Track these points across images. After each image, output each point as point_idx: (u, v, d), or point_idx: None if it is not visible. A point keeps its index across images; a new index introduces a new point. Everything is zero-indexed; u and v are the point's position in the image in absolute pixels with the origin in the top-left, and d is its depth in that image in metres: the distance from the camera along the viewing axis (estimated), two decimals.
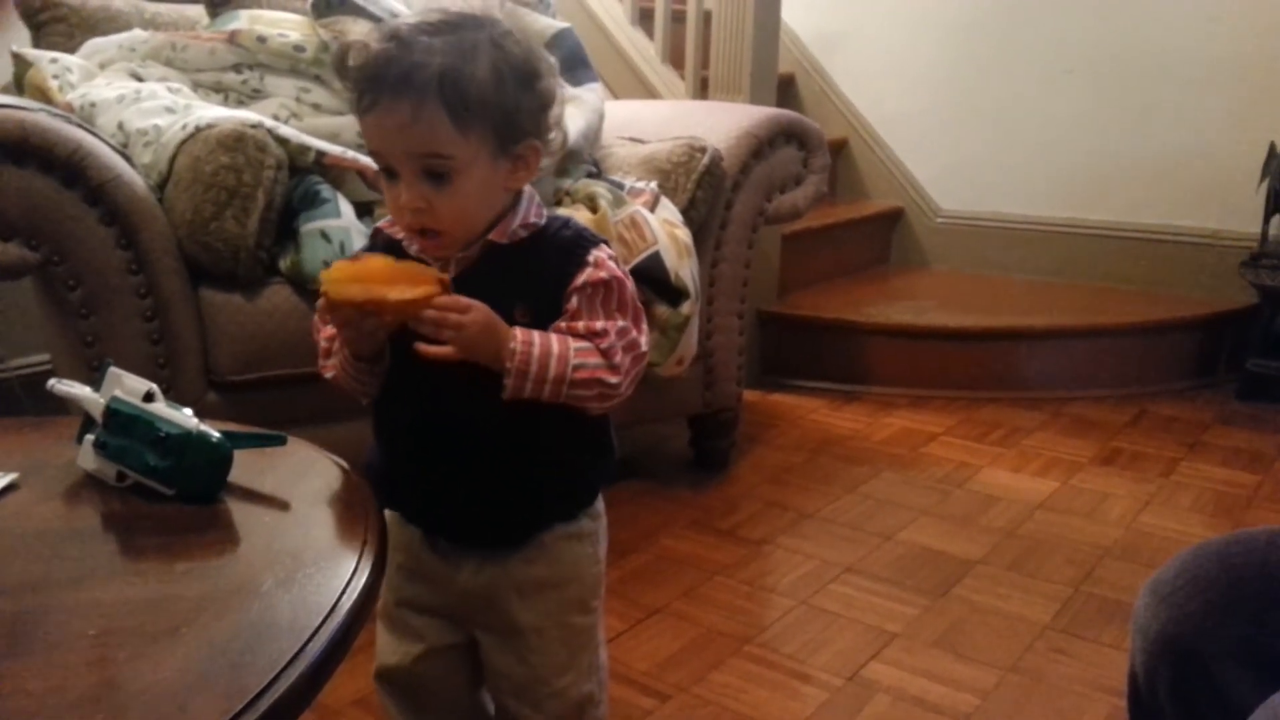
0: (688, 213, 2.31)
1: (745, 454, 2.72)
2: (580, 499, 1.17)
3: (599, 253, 1.08)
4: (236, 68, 2.16)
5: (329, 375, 1.13)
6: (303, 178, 1.90)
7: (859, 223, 4.00)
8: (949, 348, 3.25)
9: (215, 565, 0.86)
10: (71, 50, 2.10)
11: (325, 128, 2.06)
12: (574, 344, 1.04)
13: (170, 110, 1.90)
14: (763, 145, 2.44)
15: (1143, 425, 2.98)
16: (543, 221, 1.10)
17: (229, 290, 1.80)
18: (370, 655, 1.21)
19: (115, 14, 2.23)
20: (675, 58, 3.38)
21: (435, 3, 1.04)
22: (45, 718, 0.64)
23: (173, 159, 1.78)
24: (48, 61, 2.02)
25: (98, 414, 0.98)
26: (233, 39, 2.16)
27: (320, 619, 0.74)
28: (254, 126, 1.79)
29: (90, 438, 0.98)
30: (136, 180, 1.73)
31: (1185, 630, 0.91)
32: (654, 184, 2.32)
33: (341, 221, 1.84)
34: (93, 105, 1.93)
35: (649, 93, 3.41)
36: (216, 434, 0.97)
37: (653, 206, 2.24)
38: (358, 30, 2.10)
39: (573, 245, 1.09)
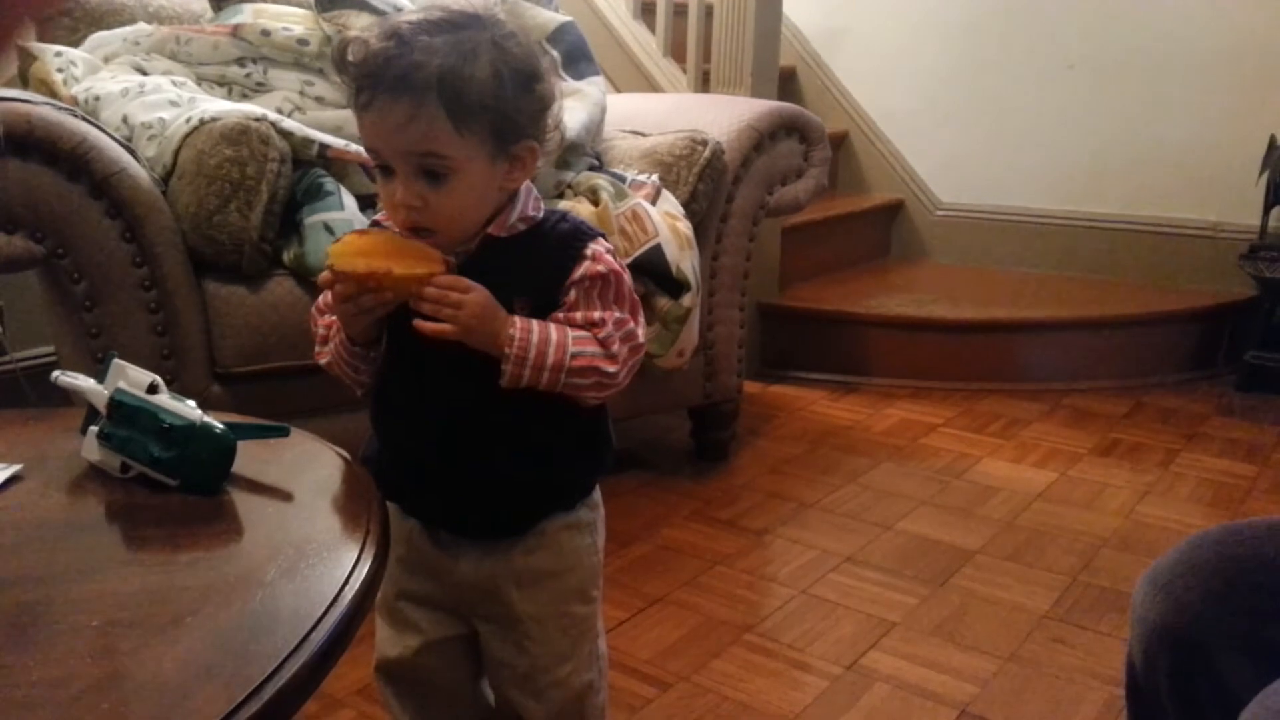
0: (689, 205, 2.31)
1: (746, 445, 2.73)
2: (579, 489, 1.18)
3: (596, 246, 1.08)
4: (240, 61, 2.17)
5: (324, 362, 1.14)
6: (306, 171, 1.91)
7: (859, 215, 4.00)
8: (949, 339, 3.25)
9: (219, 556, 0.87)
10: (76, 44, 2.11)
11: (329, 121, 2.06)
12: (572, 333, 1.05)
13: (174, 103, 1.91)
14: (764, 138, 2.44)
15: (1141, 416, 2.99)
16: (540, 215, 1.10)
17: (233, 282, 1.80)
18: (373, 645, 1.22)
19: (119, 8, 2.24)
20: (677, 51, 3.37)
21: None
22: (49, 709, 0.64)
23: (177, 152, 1.79)
24: (52, 55, 2.02)
25: (102, 406, 0.99)
26: (236, 32, 2.16)
27: (323, 609, 0.75)
28: (258, 120, 1.80)
29: (94, 429, 0.99)
30: (141, 173, 1.74)
31: (1183, 620, 0.92)
32: (655, 177, 2.32)
33: (345, 214, 1.85)
34: (97, 99, 1.93)
35: (651, 86, 3.41)
36: (220, 425, 0.97)
37: (654, 199, 2.24)
38: (361, 24, 2.10)
39: (570, 238, 1.09)
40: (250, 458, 1.00)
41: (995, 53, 3.88)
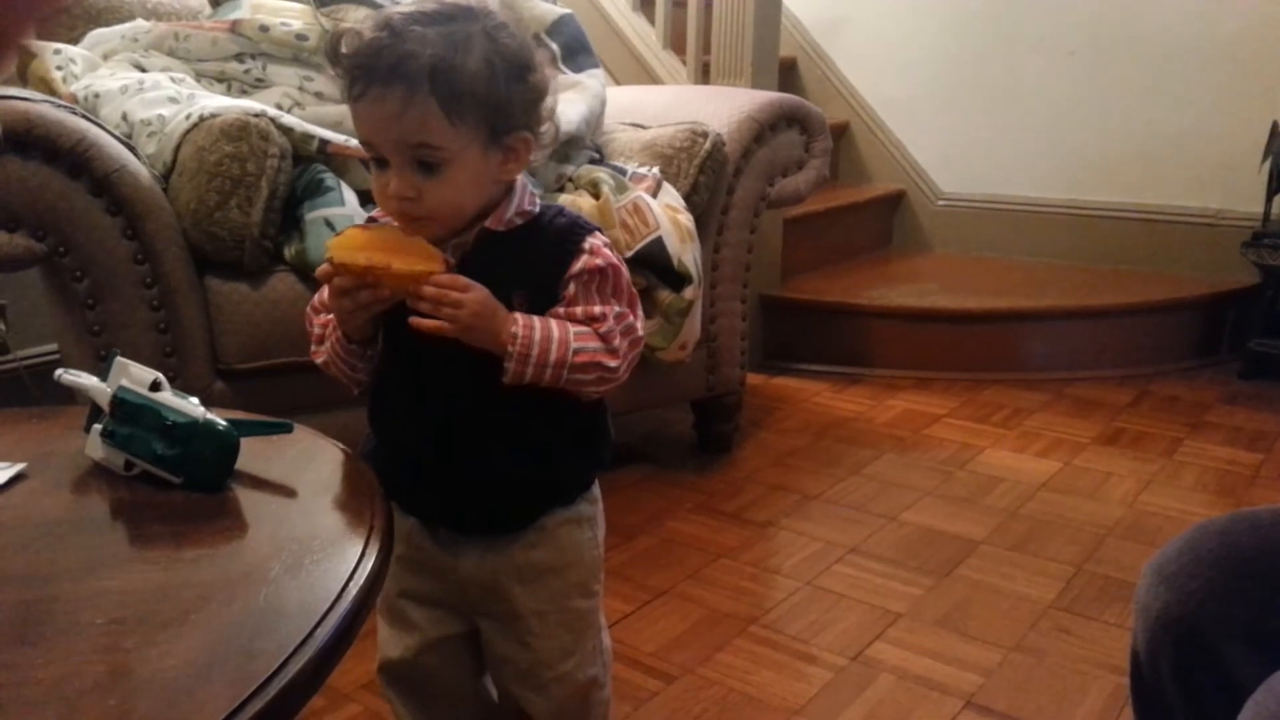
0: (690, 198, 2.31)
1: (749, 437, 2.73)
2: (578, 484, 1.18)
3: (594, 240, 1.09)
4: (239, 57, 2.16)
5: (320, 361, 1.14)
6: (306, 166, 1.91)
7: (861, 206, 4.00)
8: (951, 330, 3.25)
9: (223, 552, 0.87)
10: (74, 41, 2.11)
11: (328, 116, 2.06)
12: (573, 328, 1.05)
13: (174, 100, 1.91)
14: (764, 129, 2.44)
15: (1145, 405, 2.98)
16: (537, 209, 1.10)
17: (234, 279, 1.80)
18: (377, 640, 1.22)
19: (118, 4, 2.24)
20: (677, 43, 3.37)
21: None
22: (55, 706, 0.64)
23: (177, 149, 1.79)
24: (51, 53, 2.02)
25: (105, 403, 0.99)
26: (235, 28, 2.16)
27: (328, 604, 0.75)
28: (257, 116, 1.80)
29: (98, 427, 0.99)
30: (141, 170, 1.74)
31: (1187, 609, 0.92)
32: (656, 169, 2.32)
33: (345, 209, 1.85)
34: (96, 96, 1.93)
35: (650, 78, 3.40)
36: (223, 422, 0.97)
37: (655, 192, 2.24)
38: (359, 18, 2.10)
39: (568, 233, 1.09)
40: (253, 454, 1.00)
41: (996, 41, 3.87)
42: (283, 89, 2.14)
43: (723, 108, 2.48)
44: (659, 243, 2.13)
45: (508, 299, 1.03)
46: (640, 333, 1.11)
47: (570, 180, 2.28)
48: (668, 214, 2.18)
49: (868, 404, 3.00)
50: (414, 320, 1.00)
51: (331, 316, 1.11)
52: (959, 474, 2.50)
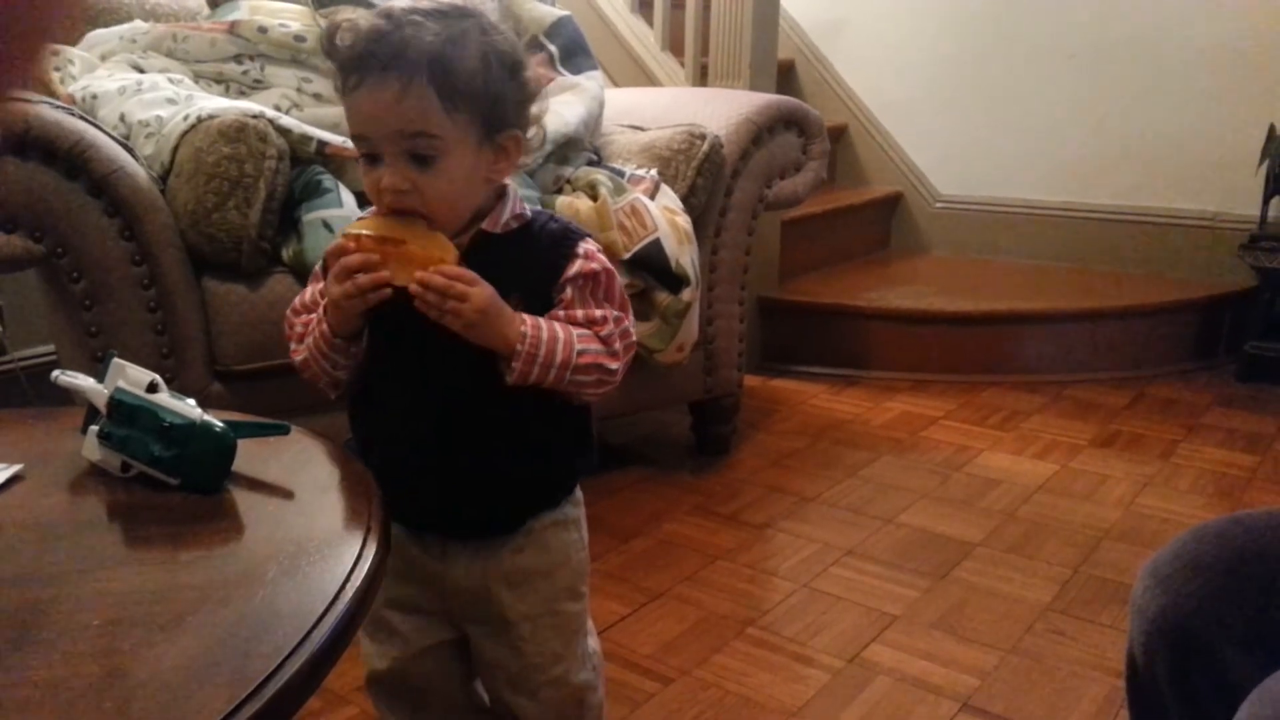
0: (688, 200, 2.31)
1: (746, 439, 2.73)
2: (565, 486, 1.18)
3: (587, 245, 1.10)
4: (237, 58, 2.16)
5: (299, 359, 1.13)
6: (304, 168, 1.91)
7: (858, 208, 4.00)
8: (948, 332, 3.25)
9: (220, 554, 0.87)
10: (72, 42, 2.11)
11: (327, 118, 2.06)
12: (575, 331, 1.06)
13: (172, 101, 1.91)
14: (762, 132, 2.44)
15: (1142, 408, 2.99)
16: (529, 214, 1.11)
17: (232, 280, 1.80)
18: (361, 654, 1.22)
19: (116, 5, 2.24)
20: (675, 45, 3.37)
21: None
22: (51, 708, 0.64)
23: (175, 150, 1.79)
24: (49, 54, 2.02)
25: (102, 405, 0.99)
26: (233, 29, 2.16)
27: (325, 606, 0.75)
28: (255, 117, 1.80)
29: (95, 428, 0.99)
30: (139, 172, 1.74)
31: (1184, 612, 0.92)
32: (654, 171, 2.32)
33: (343, 211, 1.85)
34: (94, 97, 1.93)
35: (649, 80, 3.40)
36: (220, 424, 0.97)
37: (653, 194, 2.24)
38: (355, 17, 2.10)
39: (562, 237, 1.10)
40: (250, 456, 1.00)
41: (994, 43, 3.88)
42: (281, 90, 2.14)
43: (721, 110, 2.48)
44: (657, 244, 2.13)
45: (505, 300, 1.03)
46: (634, 337, 1.12)
47: (568, 182, 2.28)
48: (665, 216, 2.18)
49: (865, 406, 3.01)
50: (420, 304, 0.99)
51: (314, 316, 1.10)
52: (956, 476, 2.51)
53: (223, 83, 2.16)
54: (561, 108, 2.29)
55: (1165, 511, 2.31)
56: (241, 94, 2.14)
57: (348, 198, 1.88)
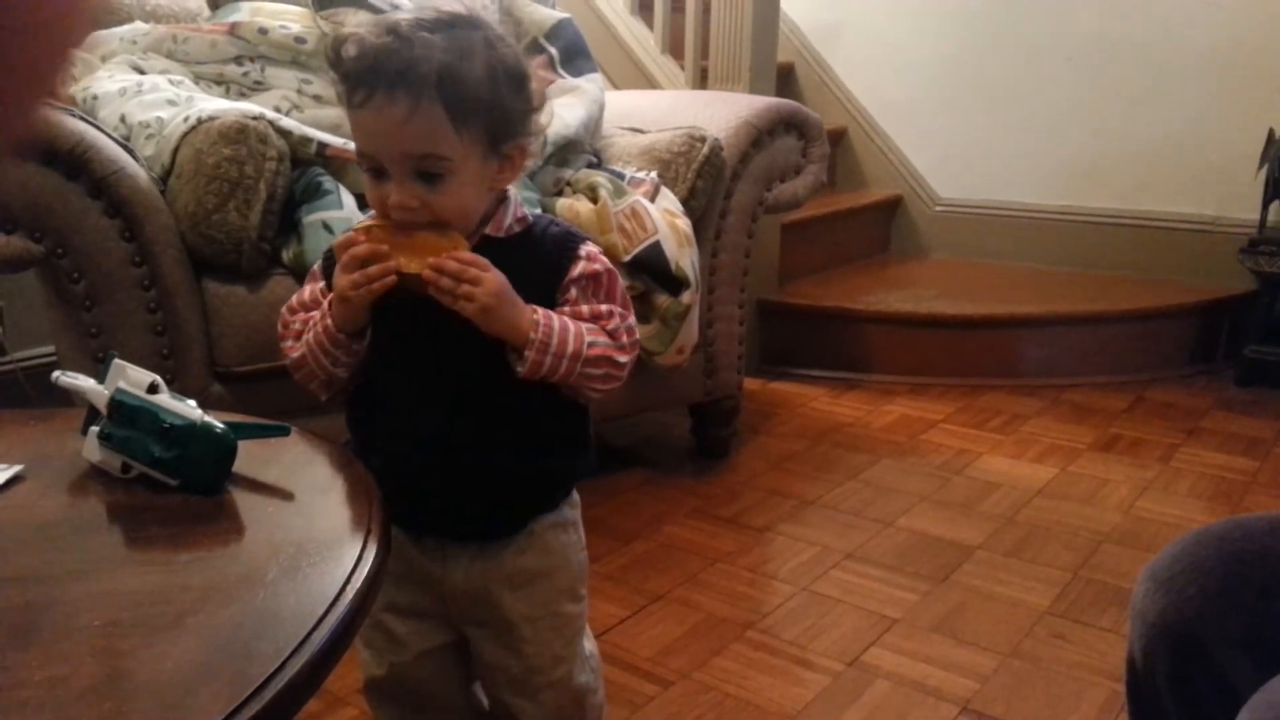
0: (688, 202, 2.31)
1: (746, 442, 2.73)
2: (565, 487, 1.19)
3: (589, 247, 1.11)
4: (238, 60, 2.16)
5: (295, 356, 1.12)
6: (305, 169, 1.91)
7: (858, 211, 4.00)
8: (948, 335, 3.25)
9: (220, 555, 0.87)
10: None
11: (327, 119, 2.06)
12: (583, 325, 1.06)
13: (172, 102, 1.91)
14: (762, 135, 2.44)
15: (1141, 411, 2.99)
16: (530, 218, 1.11)
17: (232, 282, 1.80)
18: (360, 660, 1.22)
19: (116, 6, 2.24)
20: (675, 48, 3.37)
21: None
22: (51, 708, 0.64)
23: (175, 151, 1.79)
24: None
25: (102, 406, 0.99)
26: (234, 31, 2.16)
27: (325, 607, 0.75)
28: (256, 118, 1.80)
29: (95, 429, 0.99)
30: (139, 173, 1.74)
31: (1184, 616, 0.92)
32: (654, 174, 2.32)
33: (344, 213, 1.85)
34: (94, 98, 1.93)
35: (649, 83, 3.40)
36: (220, 425, 0.97)
37: (653, 196, 2.24)
38: (358, 23, 2.10)
39: (564, 240, 1.11)
40: (251, 457, 1.00)
41: (993, 47, 3.88)
42: (281, 92, 2.14)
43: (721, 113, 2.48)
44: (656, 247, 2.13)
45: None
46: (638, 335, 1.12)
47: (568, 184, 2.28)
48: (665, 218, 2.19)
49: (865, 409, 3.01)
50: (434, 290, 0.99)
51: (313, 315, 1.10)
52: (955, 479, 2.51)
53: (223, 84, 2.16)
54: (562, 110, 2.29)
55: (1164, 515, 2.31)
56: (242, 95, 2.14)
57: (348, 199, 1.88)
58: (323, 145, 1.92)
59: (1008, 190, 3.94)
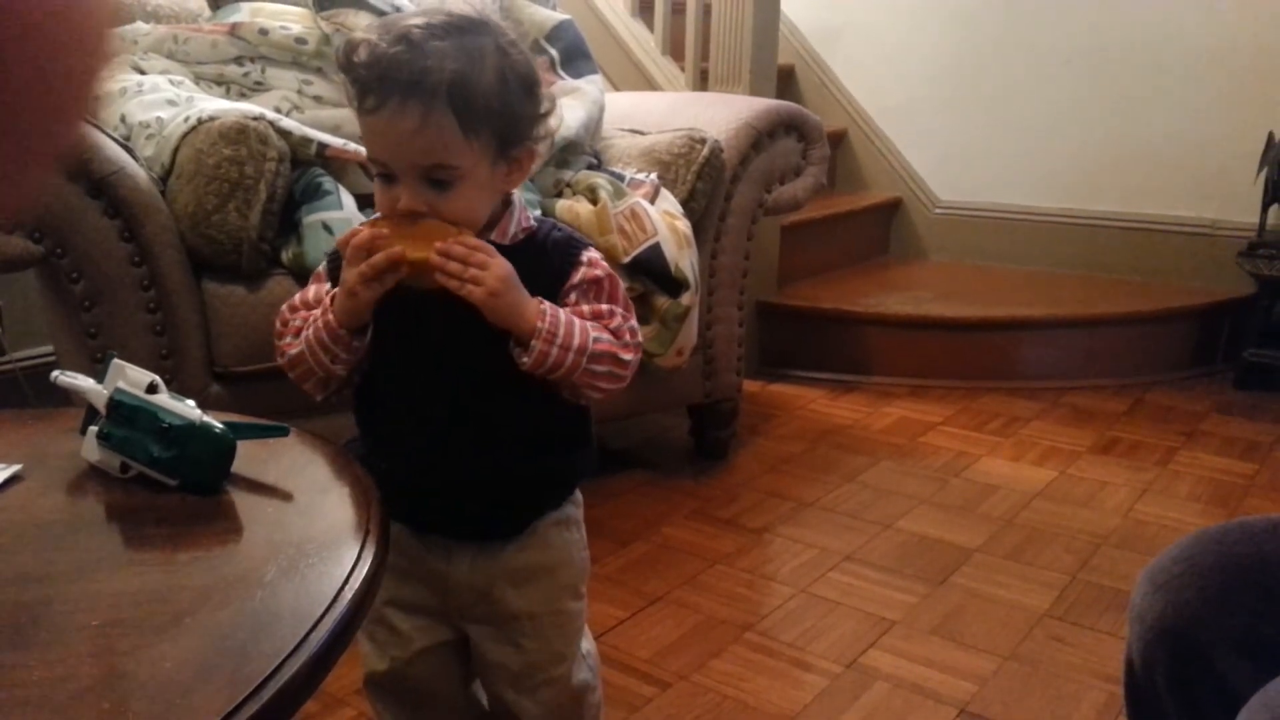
0: (688, 204, 2.31)
1: (745, 444, 2.73)
2: (567, 485, 1.19)
3: (591, 253, 1.11)
4: (238, 60, 2.16)
5: (292, 353, 1.12)
6: (305, 170, 1.91)
7: (858, 214, 4.00)
8: (947, 338, 3.25)
9: (218, 555, 0.87)
10: None
11: (327, 120, 2.06)
12: (586, 322, 1.06)
13: (172, 103, 1.91)
14: (762, 137, 2.45)
15: (1140, 414, 2.99)
16: (535, 225, 1.12)
17: (232, 282, 1.80)
18: (360, 654, 1.22)
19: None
20: (675, 49, 3.37)
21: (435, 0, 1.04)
22: (49, 708, 0.64)
23: (175, 151, 1.79)
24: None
25: (101, 405, 0.99)
26: (234, 31, 2.16)
27: (323, 608, 0.75)
28: (256, 119, 1.80)
29: (94, 429, 0.99)
30: (139, 173, 1.74)
31: (1182, 618, 0.92)
32: (654, 175, 2.32)
33: (343, 213, 1.85)
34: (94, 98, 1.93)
35: (649, 84, 3.41)
36: (219, 425, 0.97)
37: (653, 198, 2.24)
38: (359, 22, 2.10)
39: (566, 246, 1.11)
40: (250, 457, 1.00)
41: (993, 49, 3.88)
42: (281, 92, 2.14)
43: (721, 114, 2.48)
44: (656, 249, 2.13)
45: None
46: (640, 337, 1.13)
47: (568, 185, 2.28)
48: (665, 220, 2.19)
49: (864, 411, 3.01)
50: (441, 277, 0.99)
51: (315, 312, 1.10)
52: (954, 482, 2.51)
53: (223, 84, 2.16)
54: (562, 111, 2.29)
55: (1163, 518, 2.31)
56: (242, 96, 2.15)
57: (348, 200, 1.88)
58: (323, 146, 1.92)
59: (1007, 193, 3.94)
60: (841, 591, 1.98)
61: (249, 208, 1.75)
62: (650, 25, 3.42)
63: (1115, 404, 3.07)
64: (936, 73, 4.01)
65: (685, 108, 2.62)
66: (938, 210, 4.10)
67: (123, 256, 1.71)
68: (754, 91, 2.99)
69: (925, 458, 2.66)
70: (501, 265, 1.00)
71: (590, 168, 2.37)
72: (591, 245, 1.13)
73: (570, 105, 2.35)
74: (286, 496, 0.98)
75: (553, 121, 1.10)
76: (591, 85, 2.49)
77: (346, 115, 2.06)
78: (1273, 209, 3.16)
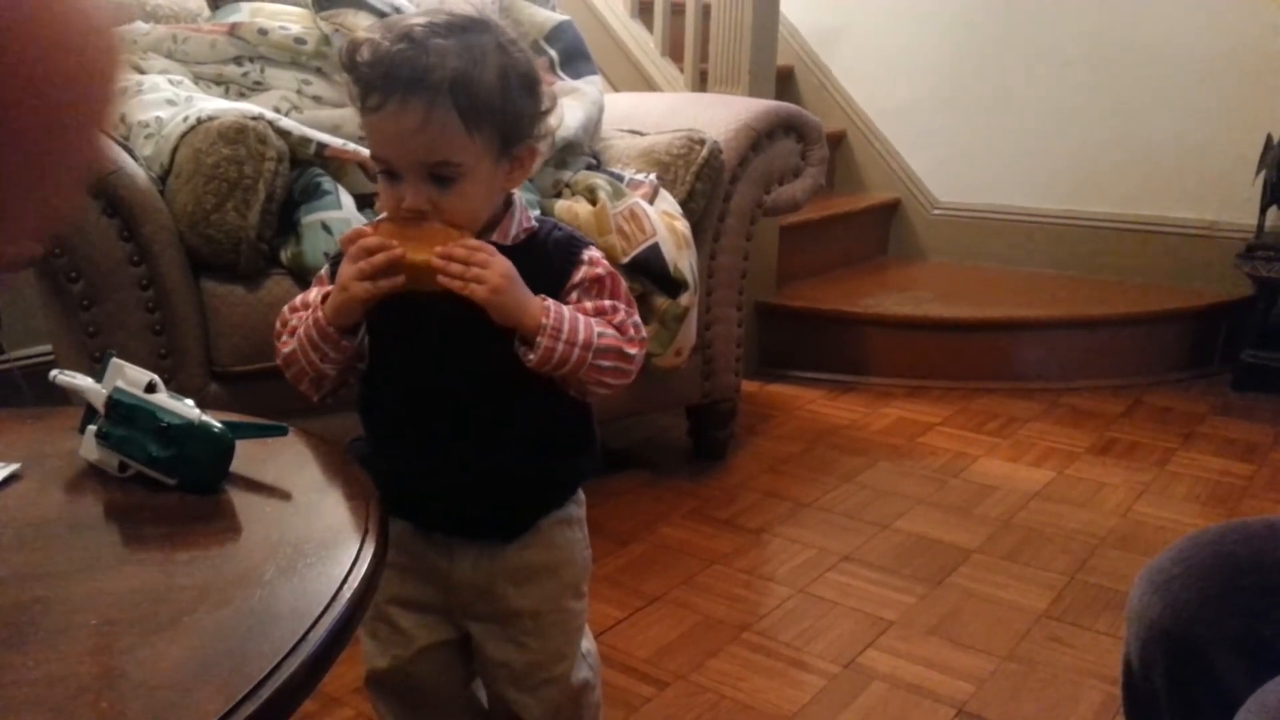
0: (687, 204, 2.31)
1: (743, 444, 2.73)
2: (570, 486, 1.19)
3: (591, 252, 1.11)
4: (237, 60, 2.16)
5: (285, 352, 1.12)
6: (304, 170, 1.91)
7: (857, 214, 4.00)
8: (946, 339, 3.25)
9: (217, 555, 0.87)
10: None
11: (326, 120, 2.06)
12: (590, 317, 1.07)
13: (171, 102, 1.91)
14: (761, 137, 2.45)
15: (1138, 415, 2.99)
16: (536, 225, 1.12)
17: (230, 282, 1.80)
18: (362, 651, 1.22)
19: (119, 4, 2.23)
20: (674, 50, 3.37)
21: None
22: (47, 707, 0.64)
23: (174, 151, 1.79)
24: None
25: (100, 404, 0.99)
26: (234, 31, 2.16)
27: (322, 607, 0.75)
28: (255, 119, 1.80)
29: (92, 428, 0.99)
30: (138, 172, 1.74)
31: (1180, 619, 0.92)
32: (653, 176, 2.32)
33: (342, 213, 1.85)
34: None
35: (648, 85, 3.41)
36: (218, 424, 0.97)
37: (652, 198, 2.24)
38: (359, 23, 2.10)
39: (568, 245, 1.12)
40: (248, 457, 1.00)
41: (992, 51, 3.88)
42: (281, 92, 2.14)
43: (720, 115, 2.48)
44: (655, 249, 2.13)
45: None
46: (644, 332, 1.13)
47: (567, 186, 2.28)
48: (664, 220, 2.19)
49: (862, 412, 3.01)
50: (443, 279, 0.99)
51: (309, 311, 1.10)
52: (952, 482, 2.51)
53: (222, 84, 2.16)
54: (562, 112, 2.29)
55: (1161, 519, 2.31)
56: (241, 96, 2.14)
57: (347, 200, 1.88)
58: (322, 146, 1.92)
59: (1006, 194, 3.94)
60: (839, 591, 1.98)
61: (248, 207, 1.75)
62: (649, 26, 3.42)
63: (1113, 405, 3.07)
64: (936, 74, 4.01)
65: (684, 108, 2.63)
66: (936, 211, 4.10)
67: (121, 256, 1.70)
68: (753, 92, 2.99)
69: (923, 458, 2.66)
70: (503, 263, 1.01)
71: (589, 168, 2.37)
72: (592, 244, 1.13)
73: (569, 106, 2.35)
74: (285, 496, 0.98)
75: (553, 120, 1.10)
76: (591, 86, 2.49)
77: (345, 115, 2.07)
78: (1271, 211, 3.16)
